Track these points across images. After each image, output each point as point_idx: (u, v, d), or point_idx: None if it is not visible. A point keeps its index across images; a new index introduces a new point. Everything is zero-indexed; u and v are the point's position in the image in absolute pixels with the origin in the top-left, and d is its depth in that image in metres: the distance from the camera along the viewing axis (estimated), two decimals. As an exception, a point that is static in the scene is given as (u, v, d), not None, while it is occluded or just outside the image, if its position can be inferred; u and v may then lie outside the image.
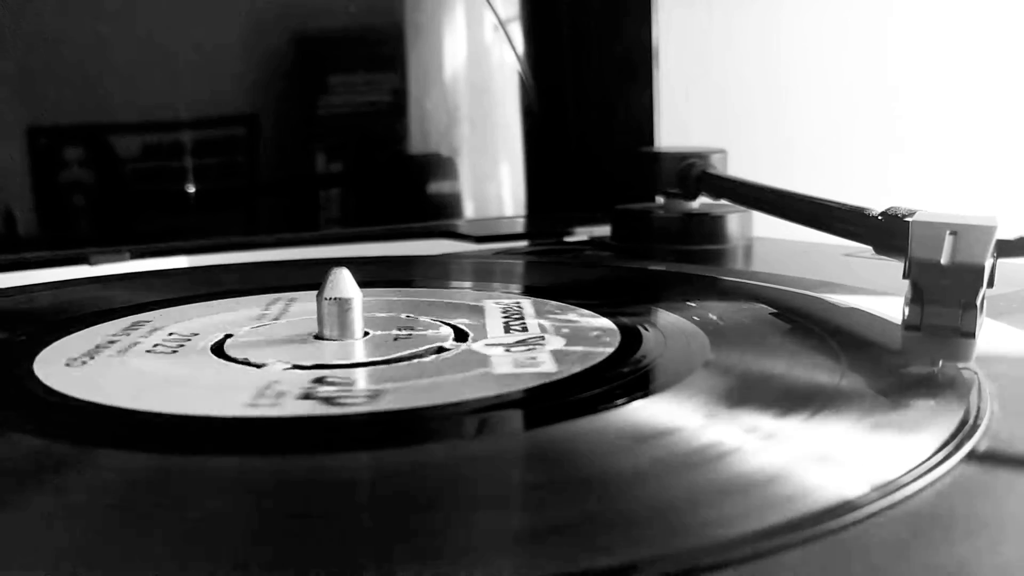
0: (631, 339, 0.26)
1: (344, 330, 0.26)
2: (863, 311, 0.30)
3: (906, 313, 0.23)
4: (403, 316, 0.29)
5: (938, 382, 0.22)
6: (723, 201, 0.48)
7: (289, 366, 0.24)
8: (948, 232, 0.23)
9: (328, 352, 0.25)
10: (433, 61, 0.60)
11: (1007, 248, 0.25)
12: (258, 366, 0.24)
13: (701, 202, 0.50)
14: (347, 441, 0.19)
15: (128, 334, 0.28)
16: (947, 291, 0.22)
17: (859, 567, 0.14)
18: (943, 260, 0.23)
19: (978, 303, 0.22)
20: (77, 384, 0.23)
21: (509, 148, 0.63)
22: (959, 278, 0.22)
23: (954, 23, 0.75)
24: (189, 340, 0.27)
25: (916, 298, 0.23)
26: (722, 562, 0.14)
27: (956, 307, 0.22)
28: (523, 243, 0.54)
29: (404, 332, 0.27)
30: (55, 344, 0.27)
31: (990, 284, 0.24)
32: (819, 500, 0.16)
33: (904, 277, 0.23)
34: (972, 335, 0.22)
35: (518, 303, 0.31)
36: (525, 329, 0.27)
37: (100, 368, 0.24)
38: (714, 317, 0.29)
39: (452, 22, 0.61)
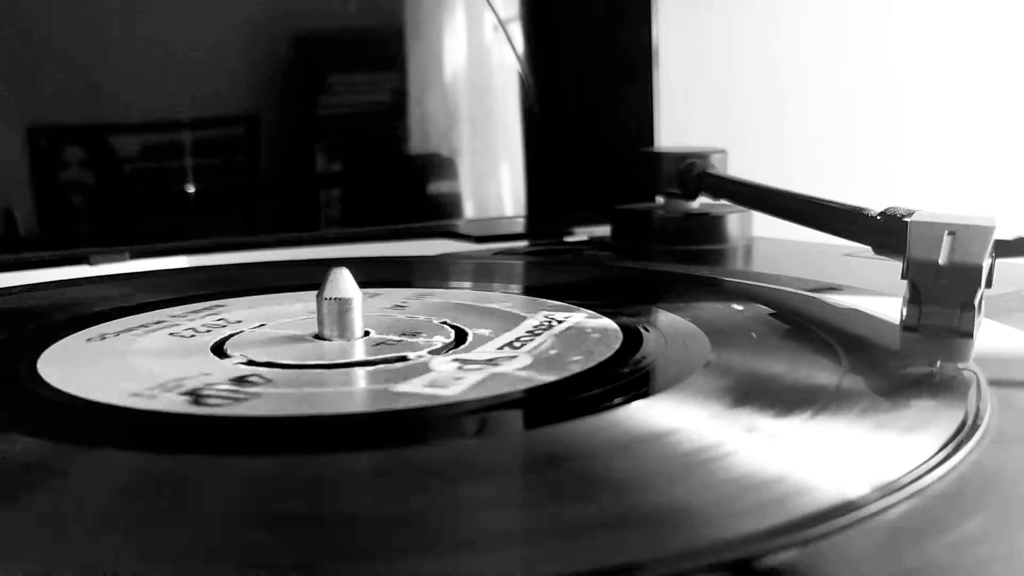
0: (631, 339, 0.26)
1: (344, 330, 0.27)
2: (862, 311, 0.30)
3: (904, 313, 0.23)
4: (432, 321, 0.29)
5: (937, 382, 0.22)
6: (723, 201, 0.48)
7: (244, 361, 0.24)
8: (946, 232, 0.23)
9: (306, 352, 0.25)
10: (433, 61, 0.60)
11: (1005, 248, 0.25)
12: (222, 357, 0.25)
13: (701, 202, 0.50)
14: (167, 443, 0.20)
15: (143, 327, 0.28)
16: (945, 291, 0.22)
17: (860, 568, 0.14)
18: (941, 260, 0.23)
19: (976, 303, 0.22)
20: (79, 384, 0.23)
21: (509, 148, 0.63)
22: (957, 278, 0.22)
23: (954, 23, 0.75)
24: (193, 336, 0.27)
25: (914, 298, 0.23)
26: (722, 563, 0.14)
27: (954, 307, 0.22)
28: (523, 243, 0.54)
29: (395, 338, 0.27)
30: (58, 343, 0.27)
31: (988, 284, 0.24)
32: (820, 500, 0.16)
33: (902, 277, 0.24)
34: (970, 335, 0.22)
35: (558, 319, 0.30)
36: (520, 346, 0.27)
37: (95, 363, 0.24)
38: (734, 306, 0.29)
39: (452, 22, 0.61)
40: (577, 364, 0.24)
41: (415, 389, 0.22)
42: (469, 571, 0.14)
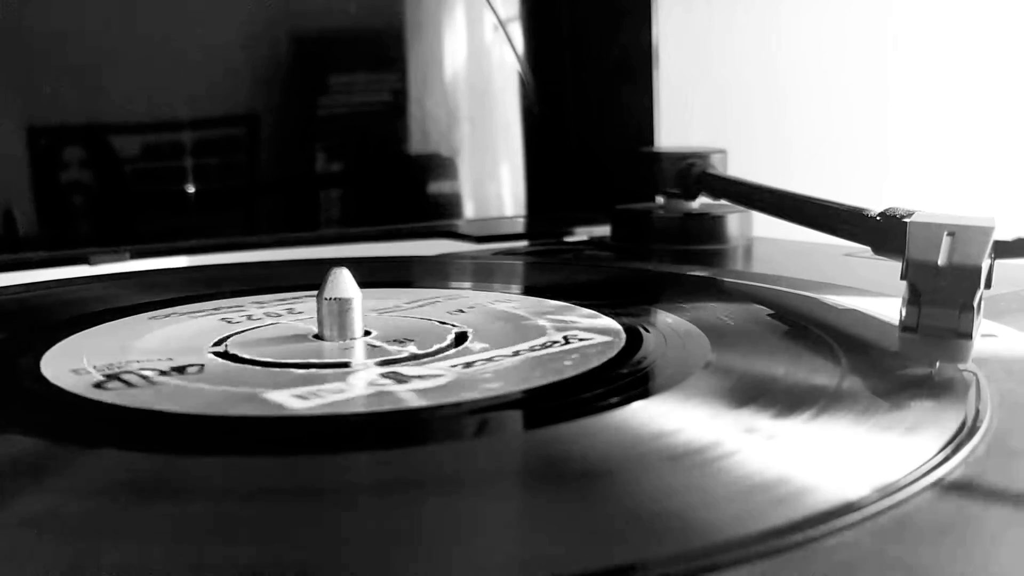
0: (631, 340, 0.26)
1: (343, 330, 0.27)
2: (861, 312, 0.30)
3: (903, 314, 0.23)
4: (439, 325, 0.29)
5: (937, 383, 0.22)
6: (723, 201, 0.48)
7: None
8: (945, 233, 0.23)
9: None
10: (433, 61, 0.60)
11: (1004, 249, 0.25)
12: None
13: (701, 202, 0.50)
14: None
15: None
16: (944, 292, 0.22)
17: (859, 569, 0.14)
18: (940, 261, 0.23)
19: (975, 304, 0.22)
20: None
21: (509, 148, 0.63)
22: (956, 279, 0.22)
23: (954, 23, 0.75)
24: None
25: (913, 299, 0.23)
26: (722, 563, 0.14)
27: (953, 308, 0.22)
28: (523, 243, 0.54)
29: (387, 342, 0.27)
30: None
31: (988, 285, 0.24)
32: (820, 502, 0.16)
33: (902, 278, 0.23)
34: (969, 336, 0.22)
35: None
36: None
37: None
38: (721, 317, 0.29)
39: (452, 22, 0.61)
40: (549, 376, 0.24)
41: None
42: (469, 572, 0.14)
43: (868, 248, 0.31)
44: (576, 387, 0.22)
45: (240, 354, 0.25)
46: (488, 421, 0.21)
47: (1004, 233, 0.25)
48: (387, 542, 0.15)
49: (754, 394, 0.21)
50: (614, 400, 0.21)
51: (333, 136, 0.58)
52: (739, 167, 0.49)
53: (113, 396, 0.22)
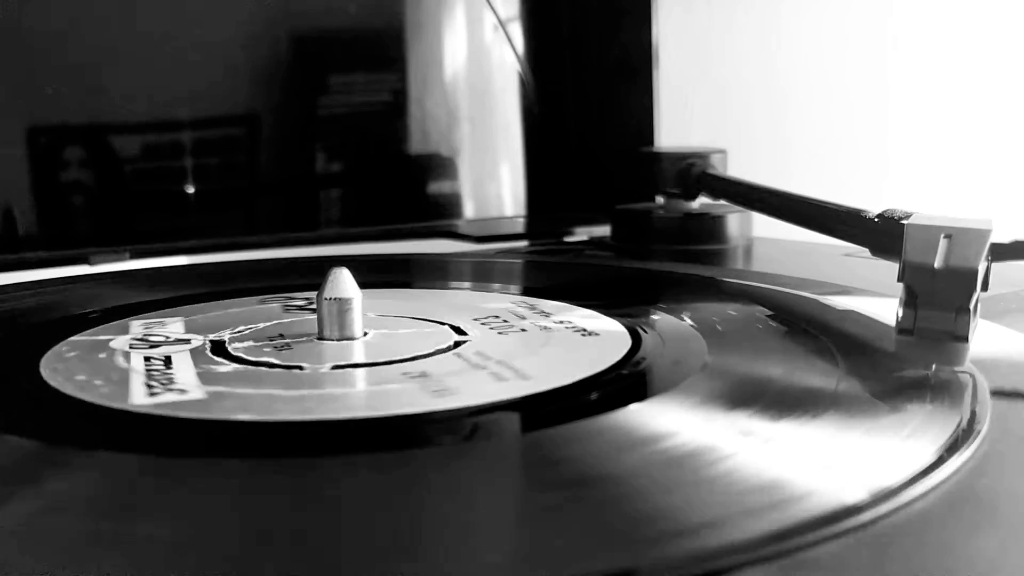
0: (630, 341, 0.26)
1: (344, 330, 0.27)
2: (859, 314, 0.30)
3: (899, 316, 0.23)
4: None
5: (934, 386, 0.22)
6: (723, 201, 0.48)
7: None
8: (943, 235, 0.23)
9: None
10: (433, 61, 0.60)
11: (1001, 252, 0.25)
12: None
13: (701, 202, 0.50)
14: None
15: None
16: (941, 295, 0.22)
17: (856, 573, 0.14)
18: (937, 264, 0.23)
19: (971, 307, 0.22)
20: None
21: (509, 148, 0.63)
22: (952, 282, 0.22)
23: (954, 24, 0.75)
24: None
25: (910, 301, 0.23)
26: (718, 568, 0.14)
27: (949, 311, 0.22)
28: (523, 243, 0.54)
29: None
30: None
31: (984, 288, 0.24)
32: (816, 506, 0.16)
33: (899, 280, 0.24)
34: (965, 339, 0.22)
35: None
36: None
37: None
38: (715, 319, 0.29)
39: (452, 22, 0.61)
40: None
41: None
42: (464, 574, 0.14)
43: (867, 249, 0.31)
44: (574, 388, 0.22)
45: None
46: (482, 424, 0.21)
47: (1001, 236, 0.25)
48: (379, 544, 0.15)
49: (751, 397, 0.21)
50: (611, 402, 0.21)
51: (333, 136, 0.58)
52: (739, 167, 0.49)
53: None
